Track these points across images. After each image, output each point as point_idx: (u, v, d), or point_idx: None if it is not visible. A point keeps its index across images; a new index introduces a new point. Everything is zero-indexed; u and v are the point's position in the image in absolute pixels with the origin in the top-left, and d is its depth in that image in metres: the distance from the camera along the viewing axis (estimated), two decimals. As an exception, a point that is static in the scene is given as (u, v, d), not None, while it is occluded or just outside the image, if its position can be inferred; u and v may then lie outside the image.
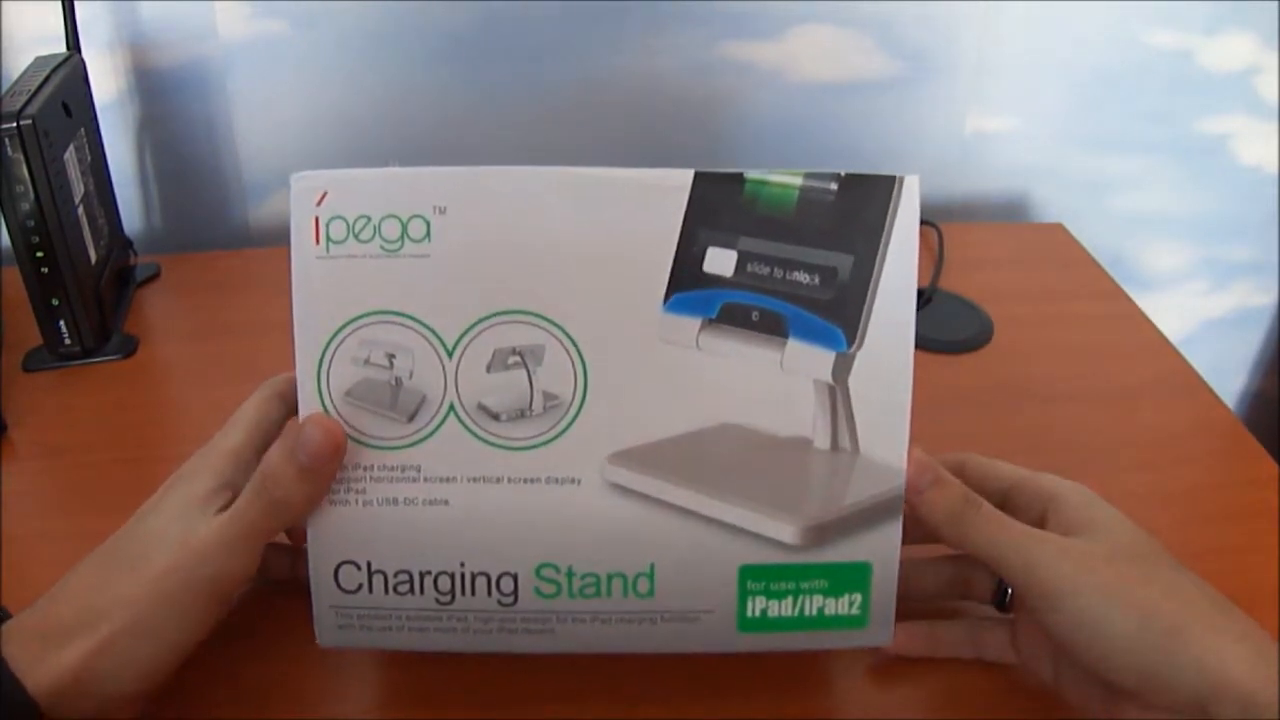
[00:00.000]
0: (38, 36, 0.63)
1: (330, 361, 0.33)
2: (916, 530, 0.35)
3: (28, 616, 0.32)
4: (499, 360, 0.33)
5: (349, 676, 0.39)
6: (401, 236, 0.32)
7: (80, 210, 0.57)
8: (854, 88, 0.75)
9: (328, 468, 0.33)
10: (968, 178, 0.81)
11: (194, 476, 0.35)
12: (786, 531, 0.34)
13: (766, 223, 0.33)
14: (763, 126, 0.75)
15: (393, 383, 0.33)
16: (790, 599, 0.35)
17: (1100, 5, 0.74)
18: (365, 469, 0.34)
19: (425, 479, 0.34)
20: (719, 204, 0.33)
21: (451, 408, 0.33)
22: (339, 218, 0.32)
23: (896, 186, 0.33)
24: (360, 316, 0.32)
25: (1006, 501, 0.37)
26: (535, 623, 0.35)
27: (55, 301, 0.56)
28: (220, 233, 0.74)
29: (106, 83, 0.67)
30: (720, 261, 0.33)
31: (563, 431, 0.33)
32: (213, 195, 0.73)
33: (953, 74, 0.75)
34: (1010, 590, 0.38)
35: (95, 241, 0.59)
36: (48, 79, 0.55)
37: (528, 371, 0.33)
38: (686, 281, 0.33)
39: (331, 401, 0.33)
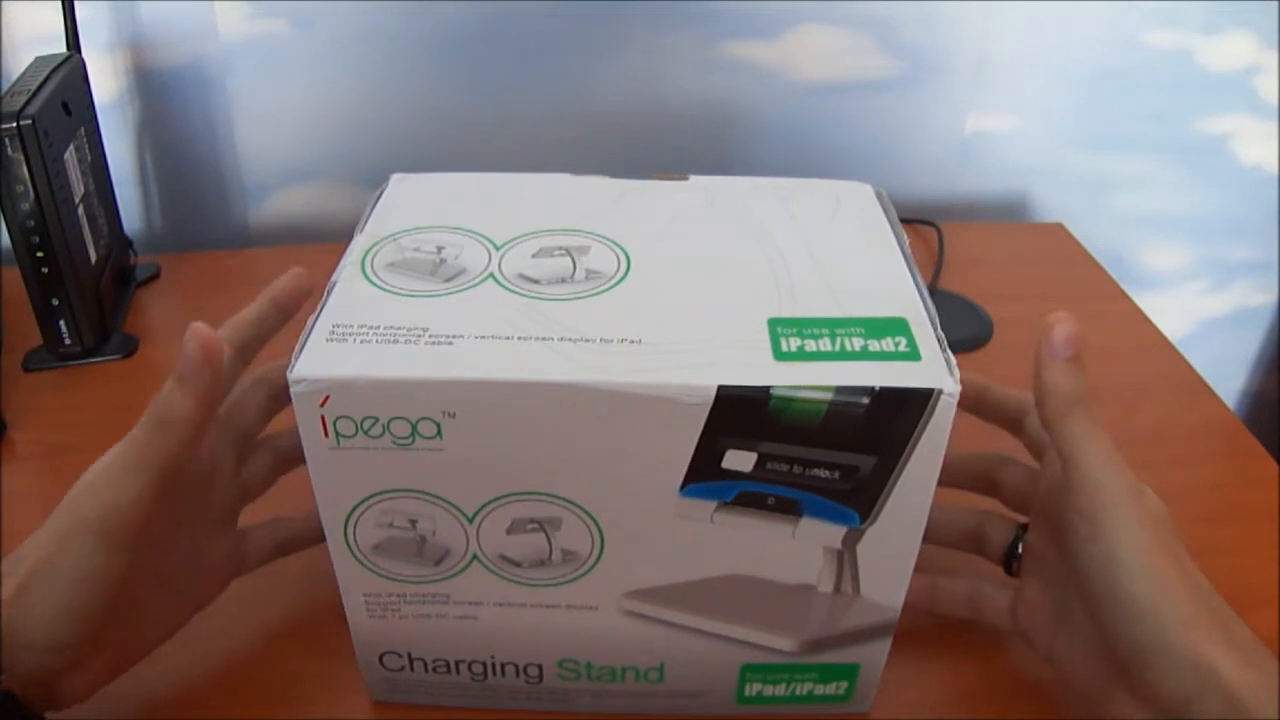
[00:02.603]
0: (38, 36, 0.63)
1: (355, 527, 0.33)
2: (995, 413, 0.38)
3: None
4: (518, 526, 0.33)
5: (348, 677, 0.39)
6: (412, 434, 0.31)
7: (80, 210, 0.57)
8: (854, 88, 0.75)
9: (204, 375, 0.32)
10: (968, 178, 0.81)
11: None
12: (785, 643, 0.36)
13: (790, 431, 0.30)
14: (763, 126, 0.75)
15: (417, 540, 0.33)
16: (784, 685, 0.38)
17: (1100, 5, 0.74)
18: (399, 595, 0.35)
19: (454, 602, 0.35)
20: (741, 417, 0.30)
21: (475, 557, 0.34)
22: (345, 417, 0.30)
23: (932, 401, 0.30)
24: (378, 494, 0.32)
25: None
26: (558, 695, 0.38)
27: (55, 301, 0.56)
28: (220, 233, 0.74)
29: (106, 83, 0.67)
30: (739, 460, 0.31)
31: (581, 576, 0.34)
32: (213, 195, 0.73)
33: (953, 74, 0.75)
34: (1021, 550, 0.38)
35: (95, 241, 0.59)
36: (48, 79, 0.55)
37: (547, 536, 0.33)
38: (703, 475, 0.31)
39: (361, 554, 0.34)
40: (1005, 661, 0.41)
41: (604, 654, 0.37)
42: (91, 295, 0.58)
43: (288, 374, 0.30)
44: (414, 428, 0.30)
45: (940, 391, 0.30)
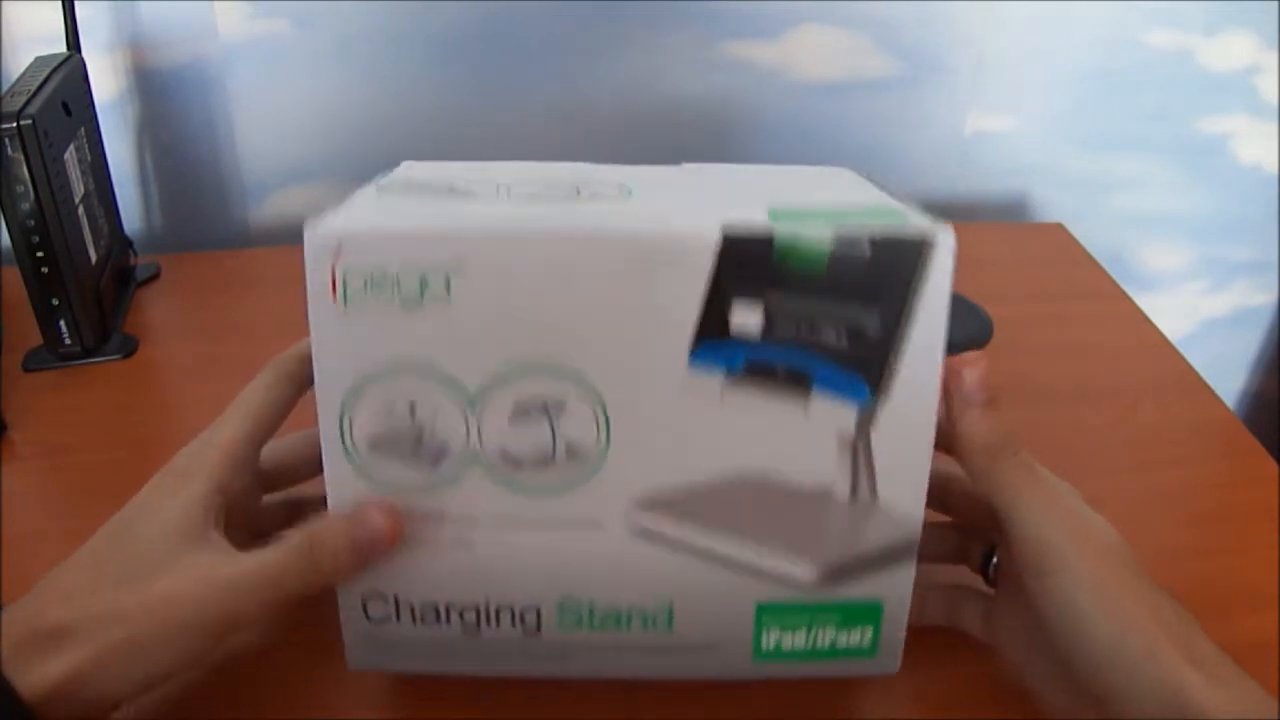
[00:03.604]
0: (38, 36, 0.63)
1: (352, 414, 0.33)
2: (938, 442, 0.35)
3: (16, 612, 0.31)
4: (521, 412, 0.32)
5: (346, 679, 0.39)
6: (421, 292, 0.31)
7: (80, 210, 0.57)
8: (854, 88, 0.75)
9: (382, 552, 0.33)
10: (968, 178, 0.81)
11: (189, 478, 0.34)
12: (804, 572, 0.35)
13: (795, 279, 0.32)
14: (763, 126, 0.75)
15: (415, 433, 0.33)
16: (804, 631, 0.36)
17: (1100, 5, 0.74)
18: None
19: (450, 522, 0.34)
20: (747, 263, 0.31)
21: (475, 456, 0.33)
22: (356, 273, 0.31)
23: (929, 247, 0.31)
24: (380, 371, 0.32)
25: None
26: (557, 650, 0.36)
27: (55, 301, 0.56)
28: (220, 233, 0.74)
29: (106, 83, 0.67)
30: (746, 317, 0.32)
31: (586, 479, 0.33)
32: (213, 195, 0.73)
33: (953, 74, 0.75)
34: (996, 563, 0.38)
35: (95, 241, 0.59)
36: (48, 79, 0.55)
37: (551, 425, 0.33)
38: (712, 336, 0.32)
39: (355, 452, 0.33)
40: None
41: (609, 589, 0.35)
42: (91, 295, 0.58)
43: (305, 231, 0.31)
44: (423, 283, 0.31)
45: (936, 238, 0.31)
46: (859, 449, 0.33)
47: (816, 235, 0.31)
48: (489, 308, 0.31)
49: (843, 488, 0.34)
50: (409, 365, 0.32)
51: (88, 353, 0.58)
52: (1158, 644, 0.30)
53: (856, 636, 0.36)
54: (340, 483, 0.33)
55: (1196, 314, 0.91)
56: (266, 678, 0.40)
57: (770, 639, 0.36)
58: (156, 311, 0.65)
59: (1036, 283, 0.69)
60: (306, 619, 0.42)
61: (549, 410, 0.32)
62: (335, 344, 0.32)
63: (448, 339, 0.32)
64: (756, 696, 0.39)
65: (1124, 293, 0.69)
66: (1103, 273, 0.71)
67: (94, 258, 0.59)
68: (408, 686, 0.39)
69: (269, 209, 0.74)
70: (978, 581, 0.39)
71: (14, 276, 0.55)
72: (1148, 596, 0.32)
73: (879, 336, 0.32)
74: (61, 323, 0.57)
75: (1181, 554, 0.47)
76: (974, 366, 0.33)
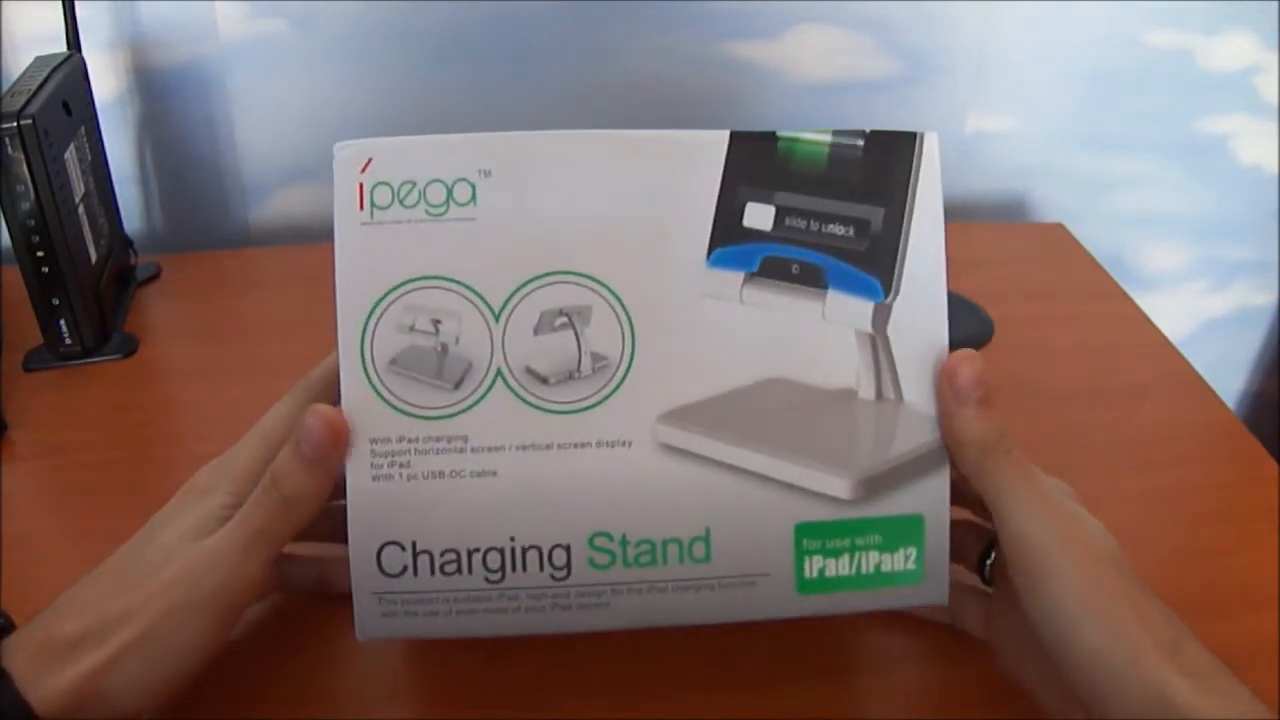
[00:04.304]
0: (38, 36, 0.63)
1: (374, 329, 0.32)
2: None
3: (34, 628, 0.31)
4: (546, 322, 0.33)
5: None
6: (447, 200, 0.32)
7: (80, 210, 0.57)
8: (854, 88, 0.75)
9: (331, 457, 0.32)
10: (968, 178, 0.81)
11: (210, 492, 0.34)
12: (839, 486, 0.34)
13: (801, 178, 0.34)
14: (763, 126, 0.75)
15: (438, 349, 0.32)
16: (847, 556, 0.34)
17: (1100, 5, 0.74)
18: (410, 441, 0.33)
19: (472, 449, 0.33)
20: (755, 161, 0.34)
21: (499, 373, 0.33)
22: (383, 183, 0.32)
23: (918, 142, 0.34)
24: (405, 282, 0.32)
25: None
26: (590, 596, 0.34)
27: (55, 301, 0.56)
28: (220, 233, 0.74)
29: (106, 82, 0.67)
30: (759, 216, 0.34)
31: (612, 393, 0.33)
32: (213, 195, 0.73)
33: (953, 74, 0.75)
34: (991, 562, 0.38)
35: (95, 241, 0.59)
36: (48, 79, 0.55)
37: (575, 332, 0.33)
38: (727, 236, 0.34)
39: (375, 371, 0.33)
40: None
41: (641, 517, 0.33)
42: (91, 295, 0.58)
43: (335, 148, 0.33)
44: (449, 192, 0.32)
45: (923, 134, 0.34)
46: (879, 347, 0.34)
47: (815, 135, 0.35)
48: (513, 215, 0.33)
49: (868, 389, 0.34)
50: (433, 276, 0.32)
51: (88, 353, 0.58)
52: (1144, 651, 0.30)
53: (901, 559, 0.35)
54: (358, 415, 0.33)
55: (1197, 314, 0.91)
56: (266, 677, 0.40)
57: (813, 566, 0.34)
58: (156, 311, 0.65)
59: (1036, 283, 0.69)
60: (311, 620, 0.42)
61: (573, 319, 0.33)
62: (360, 257, 0.32)
63: (472, 249, 0.33)
64: (759, 694, 0.39)
65: (1124, 293, 0.69)
66: (1103, 273, 0.71)
67: (94, 258, 0.59)
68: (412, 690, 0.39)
69: (269, 209, 0.74)
70: (976, 580, 0.39)
71: (14, 276, 0.55)
72: (1137, 602, 0.32)
73: (884, 233, 0.34)
74: (61, 322, 0.57)
75: (1181, 554, 0.47)
76: (969, 363, 0.34)
